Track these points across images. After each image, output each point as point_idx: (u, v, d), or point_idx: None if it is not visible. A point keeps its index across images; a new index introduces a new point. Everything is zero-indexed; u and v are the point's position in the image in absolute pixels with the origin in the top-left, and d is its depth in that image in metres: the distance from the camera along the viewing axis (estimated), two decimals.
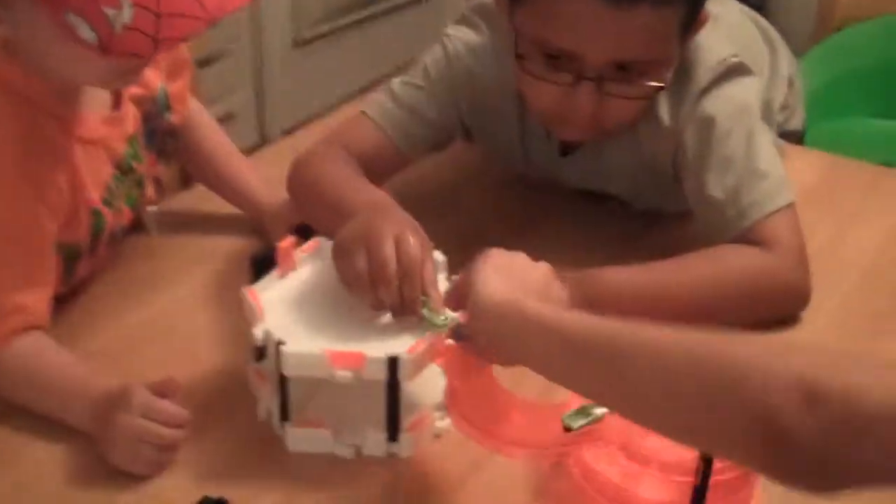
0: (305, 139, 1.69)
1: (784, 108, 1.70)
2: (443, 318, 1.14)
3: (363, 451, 1.18)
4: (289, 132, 3.22)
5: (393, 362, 1.13)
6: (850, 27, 2.20)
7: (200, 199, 1.60)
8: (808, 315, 1.39)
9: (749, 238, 1.36)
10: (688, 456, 1.06)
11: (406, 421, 1.18)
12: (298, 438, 1.18)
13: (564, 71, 1.32)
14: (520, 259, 1.15)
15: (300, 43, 3.16)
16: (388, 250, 1.15)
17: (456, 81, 1.46)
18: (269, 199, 1.52)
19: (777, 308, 1.36)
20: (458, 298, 1.12)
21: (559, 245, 1.51)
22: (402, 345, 1.14)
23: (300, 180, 1.42)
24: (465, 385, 1.14)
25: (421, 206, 1.31)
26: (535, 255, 1.47)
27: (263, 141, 3.14)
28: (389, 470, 1.17)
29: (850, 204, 1.65)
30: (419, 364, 1.14)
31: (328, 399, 1.21)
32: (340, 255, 1.19)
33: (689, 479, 1.07)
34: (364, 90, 3.36)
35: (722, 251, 1.37)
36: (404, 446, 1.18)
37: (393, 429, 1.17)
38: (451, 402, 1.13)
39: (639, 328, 0.92)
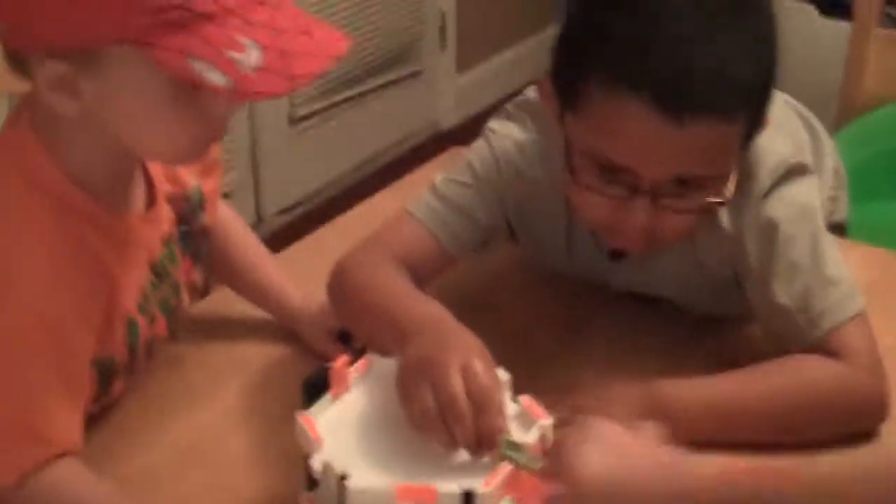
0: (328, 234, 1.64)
1: (831, 199, 1.64)
2: (529, 456, 1.07)
3: None
4: (285, 210, 3.16)
5: (468, 498, 1.04)
6: (881, 108, 2.15)
7: (224, 302, 1.51)
8: (888, 426, 1.32)
9: (821, 348, 1.29)
10: None
11: None
12: None
13: (619, 184, 1.25)
14: (620, 434, 1.11)
15: (295, 120, 3.11)
16: (456, 383, 1.08)
17: (503, 180, 1.39)
18: (304, 305, 1.44)
19: (856, 422, 1.30)
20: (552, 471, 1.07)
21: (609, 349, 1.45)
22: (476, 475, 1.05)
23: (345, 287, 1.34)
24: None
25: (460, 304, 1.25)
26: (583, 360, 1.42)
27: (259, 220, 3.07)
28: None
29: None
30: (496, 497, 1.06)
31: None
32: (404, 392, 1.12)
33: None
34: (360, 166, 3.36)
35: (797, 362, 1.30)
36: None
37: None
38: None
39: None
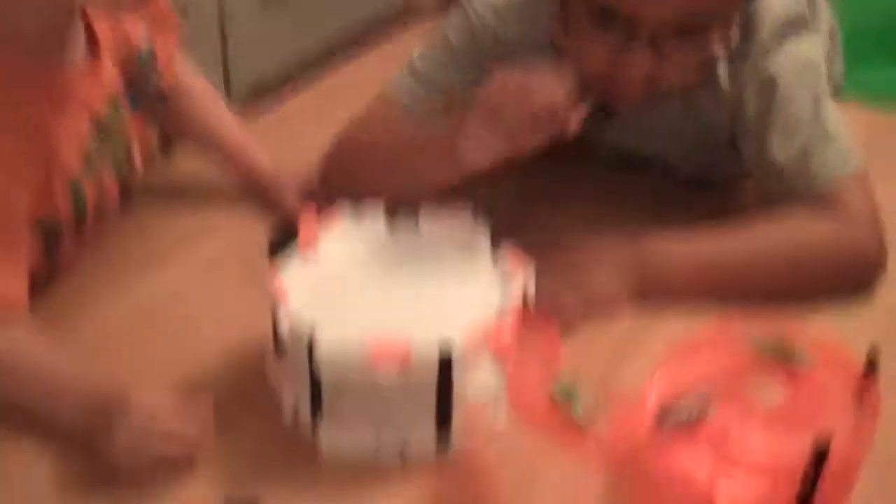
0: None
1: (827, 61, 1.55)
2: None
3: (408, 454, 1.04)
4: (255, 89, 3.06)
5: (445, 353, 0.98)
6: None
7: (190, 169, 1.44)
8: (883, 287, 1.26)
9: (818, 205, 1.23)
10: (789, 459, 0.93)
11: (458, 418, 1.03)
12: (333, 441, 1.04)
13: (617, 31, 1.17)
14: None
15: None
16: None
17: (480, 48, 1.32)
18: (274, 169, 1.36)
19: (852, 278, 1.24)
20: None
21: (596, 211, 1.38)
22: (454, 331, 0.99)
23: (347, 157, 1.30)
24: (528, 370, 0.99)
25: None
26: (567, 221, 1.35)
27: (229, 95, 2.97)
28: (439, 474, 1.03)
29: None
30: (474, 357, 0.99)
31: (367, 395, 1.06)
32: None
33: (789, 485, 0.94)
34: (330, 46, 3.25)
35: (792, 216, 1.23)
36: (456, 447, 1.03)
37: (443, 428, 1.03)
38: (512, 392, 0.99)
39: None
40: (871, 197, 1.24)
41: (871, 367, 1.02)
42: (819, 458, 0.92)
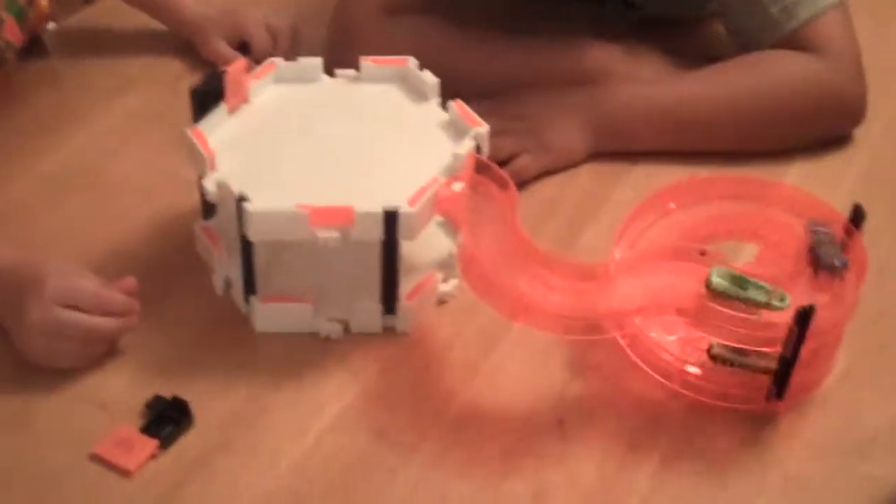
0: None
1: None
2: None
3: (352, 328, 0.94)
4: None
5: (391, 218, 0.88)
6: None
7: (107, 12, 1.31)
8: (860, 132, 1.17)
9: (796, 43, 1.13)
10: (768, 325, 0.85)
11: (405, 287, 0.94)
12: (269, 316, 0.94)
13: None
14: None
15: None
16: None
17: None
18: (199, 7, 1.23)
19: (831, 123, 1.15)
20: None
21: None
22: (399, 194, 0.89)
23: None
24: (482, 236, 0.90)
25: None
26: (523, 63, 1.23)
27: None
28: (386, 348, 0.94)
29: None
30: (422, 218, 0.90)
31: (305, 263, 0.96)
32: None
33: (771, 350, 0.86)
34: None
35: (765, 57, 1.13)
36: (404, 318, 0.94)
37: (389, 298, 0.93)
38: (465, 259, 0.89)
39: None
40: (853, 32, 1.14)
41: (856, 223, 0.93)
42: (803, 318, 0.83)
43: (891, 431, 0.89)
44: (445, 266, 0.97)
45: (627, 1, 1.26)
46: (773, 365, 0.86)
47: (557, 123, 1.11)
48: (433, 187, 0.90)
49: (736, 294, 0.86)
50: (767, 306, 0.87)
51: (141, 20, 1.27)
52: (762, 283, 0.87)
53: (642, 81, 1.14)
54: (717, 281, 0.85)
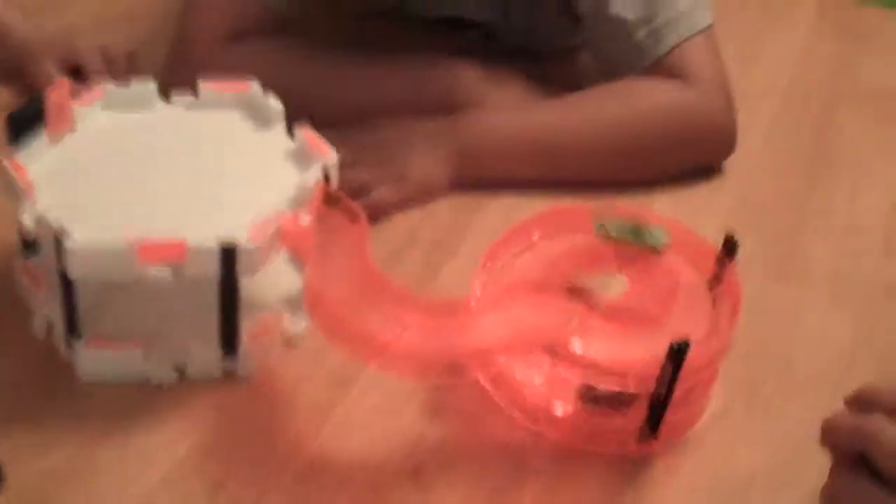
0: None
1: None
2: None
3: (187, 373, 0.86)
4: None
5: (228, 252, 0.80)
6: None
7: None
8: (729, 160, 1.13)
9: (663, 70, 1.08)
10: (640, 360, 0.79)
11: (247, 327, 0.85)
12: (94, 362, 0.85)
13: None
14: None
15: None
16: None
17: None
18: (25, 29, 1.14)
19: (700, 152, 1.10)
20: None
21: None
22: (239, 228, 0.81)
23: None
24: (330, 272, 0.82)
25: None
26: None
27: None
28: (226, 394, 0.86)
29: (752, 18, 1.40)
30: (264, 253, 0.82)
31: (134, 304, 0.88)
32: None
33: (642, 388, 0.80)
34: None
35: (630, 85, 1.08)
36: (245, 361, 0.86)
37: (229, 339, 0.85)
38: (311, 297, 0.81)
39: None
40: (720, 58, 1.10)
41: (729, 251, 0.88)
42: (677, 355, 0.78)
43: (767, 472, 0.83)
44: (293, 304, 0.90)
45: (487, 33, 1.21)
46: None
47: (416, 153, 1.04)
48: (277, 220, 0.82)
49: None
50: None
51: None
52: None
53: (503, 108, 1.08)
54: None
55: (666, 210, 1.05)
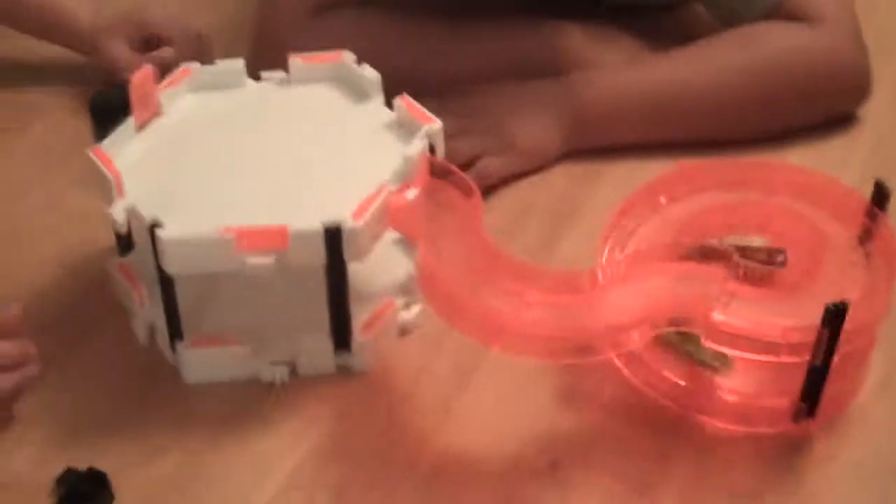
0: None
1: None
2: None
3: (300, 370, 0.80)
4: None
5: (333, 235, 0.74)
6: None
7: None
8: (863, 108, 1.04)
9: (785, 13, 1.00)
10: (792, 327, 0.71)
11: (359, 318, 0.79)
12: (200, 363, 0.79)
13: None
14: None
15: None
16: None
17: None
18: (95, 17, 1.08)
19: (832, 99, 1.01)
20: None
21: None
22: (342, 208, 0.74)
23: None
24: (443, 250, 0.75)
25: None
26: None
27: None
28: (342, 391, 0.79)
29: None
30: (371, 233, 0.75)
31: (238, 299, 0.82)
32: None
33: (797, 359, 0.72)
34: None
35: (753, 31, 1.00)
36: (360, 355, 0.80)
37: (341, 332, 0.79)
38: (425, 278, 0.75)
39: None
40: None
41: (880, 202, 0.79)
42: (834, 318, 0.70)
43: None
44: (406, 290, 0.83)
45: None
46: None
47: (524, 120, 0.97)
48: (381, 197, 0.76)
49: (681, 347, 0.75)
50: (707, 366, 0.75)
51: (28, 44, 1.11)
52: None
53: (616, 67, 1.00)
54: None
55: (802, 163, 0.96)
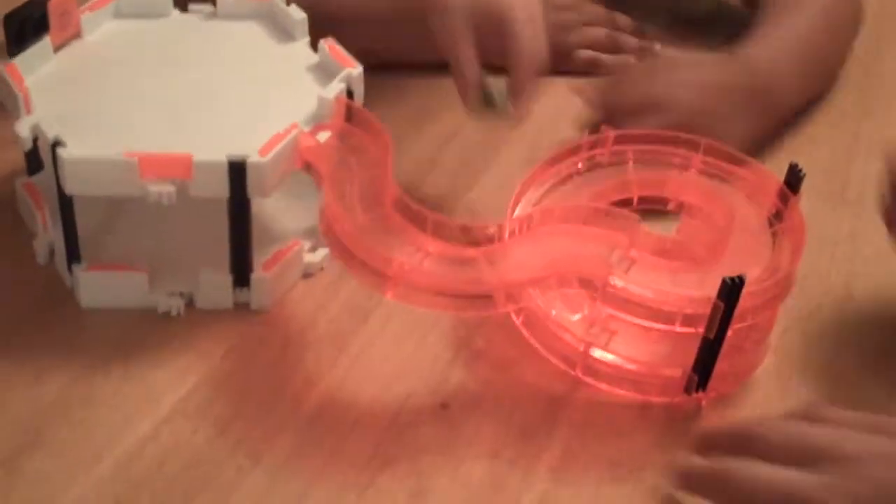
0: None
1: None
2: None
3: (197, 303, 0.79)
4: None
5: (237, 168, 0.73)
6: None
7: None
8: None
9: None
10: (690, 297, 0.71)
11: (261, 255, 0.79)
12: (96, 288, 0.78)
13: None
14: None
15: None
16: None
17: None
18: None
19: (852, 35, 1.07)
20: None
21: None
22: (251, 143, 0.74)
23: None
24: (349, 195, 0.75)
25: None
26: None
27: None
28: (237, 327, 0.79)
29: None
30: (276, 170, 0.75)
31: (140, 226, 0.81)
32: None
33: (692, 331, 0.72)
34: None
35: None
36: (259, 292, 0.79)
37: (241, 267, 0.78)
38: (326, 221, 0.74)
39: None
40: None
41: (793, 186, 0.79)
42: (730, 292, 0.69)
43: None
44: (314, 234, 0.82)
45: None
46: None
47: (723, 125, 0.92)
48: (291, 135, 0.75)
49: None
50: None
51: None
52: None
53: (769, 30, 0.99)
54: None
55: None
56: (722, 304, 0.70)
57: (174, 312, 0.79)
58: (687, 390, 0.75)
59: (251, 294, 0.79)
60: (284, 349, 0.77)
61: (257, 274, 0.79)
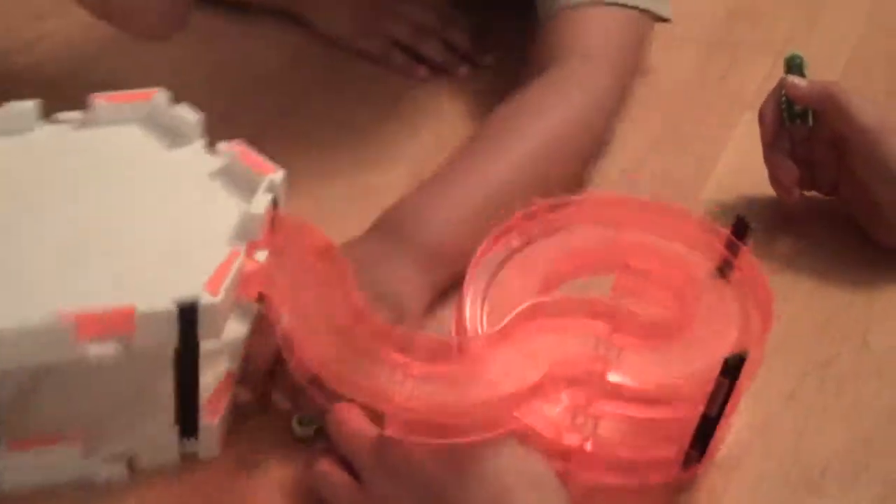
0: None
1: None
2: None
3: (138, 464, 0.69)
4: None
5: (188, 312, 0.64)
6: None
7: None
8: None
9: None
10: (685, 382, 0.68)
11: (203, 399, 0.69)
12: (21, 466, 0.67)
13: None
14: None
15: None
16: None
17: None
18: None
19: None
20: None
21: None
22: (188, 280, 0.64)
23: None
24: (312, 316, 0.67)
25: None
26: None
27: None
28: (187, 484, 0.69)
29: None
30: (228, 307, 0.66)
31: (67, 389, 0.70)
32: None
33: (691, 412, 0.69)
34: None
35: (540, 93, 0.94)
36: (207, 441, 0.70)
37: (188, 417, 0.69)
38: (296, 352, 0.66)
39: None
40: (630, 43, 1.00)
41: (741, 236, 0.77)
42: (733, 370, 0.67)
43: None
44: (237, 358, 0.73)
45: None
46: None
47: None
48: (236, 264, 0.66)
49: None
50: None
51: None
52: None
53: (422, 186, 0.87)
54: None
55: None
56: (727, 381, 0.67)
57: (116, 479, 0.68)
58: (685, 466, 0.71)
59: (202, 443, 0.70)
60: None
61: (204, 422, 0.69)
